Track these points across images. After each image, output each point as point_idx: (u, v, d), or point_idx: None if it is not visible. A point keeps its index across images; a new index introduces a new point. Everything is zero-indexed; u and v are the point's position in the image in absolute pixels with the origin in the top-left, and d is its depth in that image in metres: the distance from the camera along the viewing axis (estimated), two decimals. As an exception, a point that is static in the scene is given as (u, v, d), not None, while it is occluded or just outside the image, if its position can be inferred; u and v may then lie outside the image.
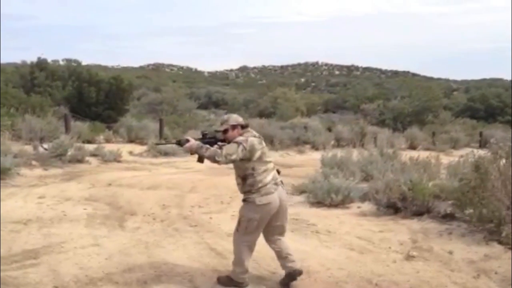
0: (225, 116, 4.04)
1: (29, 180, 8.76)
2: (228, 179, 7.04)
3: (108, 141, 15.16)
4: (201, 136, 4.04)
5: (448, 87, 68.08)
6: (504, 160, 5.45)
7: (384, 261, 4.71)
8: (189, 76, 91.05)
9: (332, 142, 19.12)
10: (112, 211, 6.65)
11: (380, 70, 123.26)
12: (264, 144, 3.92)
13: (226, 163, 3.73)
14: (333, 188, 7.14)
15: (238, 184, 3.93)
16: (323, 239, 5.48)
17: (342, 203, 7.09)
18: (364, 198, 7.29)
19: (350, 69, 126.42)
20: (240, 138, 3.79)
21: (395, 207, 6.49)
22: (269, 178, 3.83)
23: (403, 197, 6.37)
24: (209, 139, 3.98)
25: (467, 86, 75.66)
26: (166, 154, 13.07)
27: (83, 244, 5.05)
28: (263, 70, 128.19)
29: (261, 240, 4.02)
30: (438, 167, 8.12)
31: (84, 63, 36.10)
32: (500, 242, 4.97)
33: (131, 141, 15.41)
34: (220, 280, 4.02)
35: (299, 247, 5.08)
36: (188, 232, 5.66)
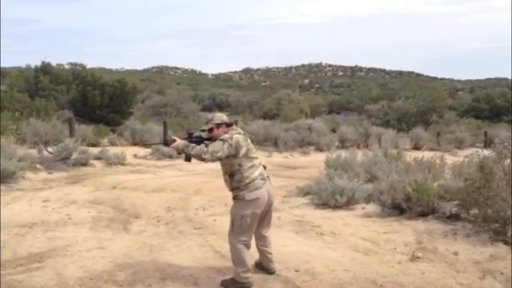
0: (210, 116, 4.15)
1: (34, 183, 8.80)
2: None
3: (112, 144, 15.22)
4: (187, 136, 4.12)
5: (452, 87, 67.95)
6: (508, 160, 5.42)
7: (389, 262, 4.69)
8: (193, 78, 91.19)
9: (337, 143, 19.09)
10: (116, 214, 6.66)
11: (384, 71, 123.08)
12: (249, 141, 4.03)
13: (212, 160, 3.82)
14: (338, 189, 7.12)
15: (225, 181, 4.04)
16: (328, 240, 5.47)
17: (346, 205, 7.07)
18: (368, 199, 7.27)
19: (354, 70, 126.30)
20: (225, 136, 3.88)
21: (399, 208, 6.46)
22: (256, 173, 3.93)
23: (408, 198, 6.34)
24: (195, 138, 4.06)
25: (471, 86, 75.50)
26: (170, 156, 13.09)
27: (88, 247, 5.06)
28: (267, 72, 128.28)
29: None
30: (443, 167, 8.09)
31: (88, 66, 36.32)
32: (505, 242, 4.94)
33: (135, 143, 15.45)
34: (224, 283, 4.02)
35: (304, 248, 5.08)
36: (193, 234, 5.67)
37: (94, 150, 12.12)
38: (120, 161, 11.82)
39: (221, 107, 45.06)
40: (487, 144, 19.32)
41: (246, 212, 3.88)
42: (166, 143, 4.11)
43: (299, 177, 10.00)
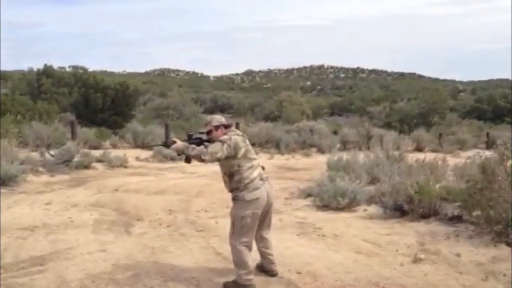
0: (208, 118, 4.19)
1: (36, 186, 8.81)
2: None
3: (114, 146, 15.22)
4: (187, 138, 4.16)
5: (454, 88, 67.91)
6: (510, 161, 5.41)
7: (391, 264, 4.68)
8: (195, 81, 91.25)
9: (338, 145, 19.05)
10: (118, 217, 6.66)
11: (386, 72, 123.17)
12: (248, 142, 4.06)
13: (212, 161, 3.85)
14: (340, 191, 7.12)
15: (225, 182, 4.07)
16: (330, 242, 5.46)
17: (348, 206, 7.07)
18: (370, 201, 7.26)
19: (356, 71, 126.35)
20: (224, 137, 3.92)
21: (401, 209, 6.46)
22: (255, 174, 3.96)
23: (410, 199, 6.33)
24: (195, 140, 4.10)
25: (473, 87, 75.37)
26: (172, 159, 13.09)
27: (90, 250, 5.06)
28: (269, 74, 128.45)
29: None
30: (445, 169, 8.08)
31: (90, 69, 36.45)
32: (508, 244, 4.94)
33: (137, 146, 15.44)
34: (226, 285, 4.02)
35: (306, 250, 5.08)
36: (195, 237, 5.66)
37: (96, 153, 12.12)
38: (122, 163, 11.82)
39: (223, 109, 45.07)
40: (489, 145, 19.28)
41: (246, 212, 3.89)
42: (167, 144, 4.17)
43: (301, 179, 9.99)
